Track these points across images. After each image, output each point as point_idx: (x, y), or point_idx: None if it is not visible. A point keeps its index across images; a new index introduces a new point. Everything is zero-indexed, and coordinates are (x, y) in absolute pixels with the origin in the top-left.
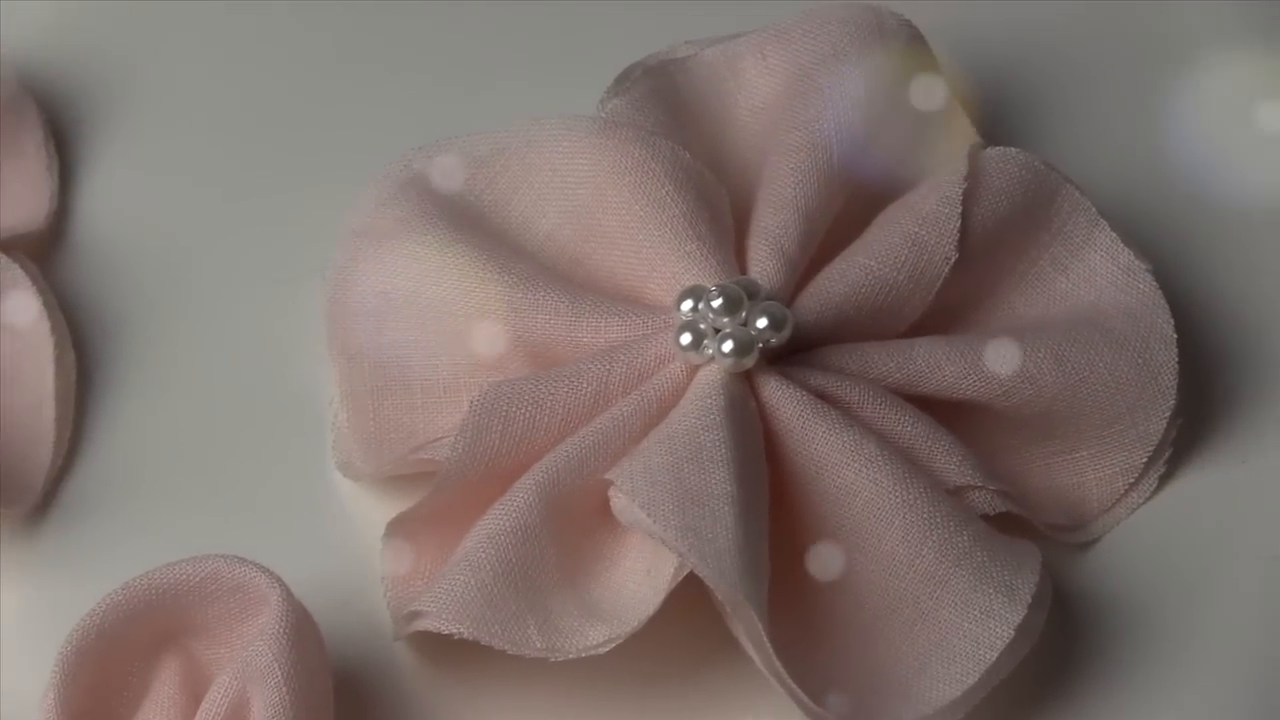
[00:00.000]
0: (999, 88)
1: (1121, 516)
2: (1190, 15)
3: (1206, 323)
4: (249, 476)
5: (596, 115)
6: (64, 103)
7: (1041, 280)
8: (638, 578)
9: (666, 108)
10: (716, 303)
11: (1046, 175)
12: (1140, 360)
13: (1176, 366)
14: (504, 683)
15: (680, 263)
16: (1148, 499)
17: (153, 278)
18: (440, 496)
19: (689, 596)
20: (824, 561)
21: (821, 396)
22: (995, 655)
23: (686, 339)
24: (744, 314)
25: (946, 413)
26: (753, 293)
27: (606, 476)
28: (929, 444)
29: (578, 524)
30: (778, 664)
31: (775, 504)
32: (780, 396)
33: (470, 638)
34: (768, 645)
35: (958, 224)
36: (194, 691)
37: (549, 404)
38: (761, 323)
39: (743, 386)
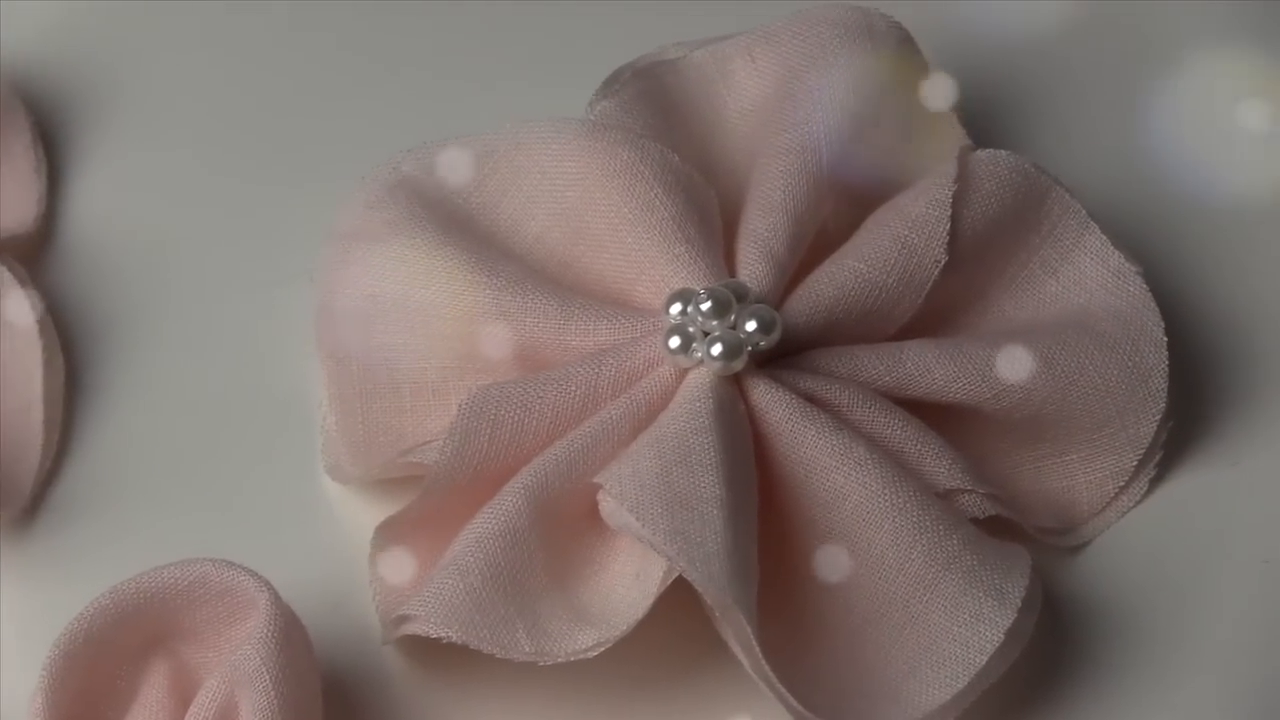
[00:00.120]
0: (988, 89)
1: (1112, 520)
2: (1178, 15)
3: (1197, 325)
4: (237, 479)
5: (585, 117)
6: (52, 105)
7: (1031, 283)
8: (626, 581)
9: (655, 110)
10: (705, 306)
11: (1036, 178)
12: (1130, 363)
13: (1167, 369)
14: (493, 687)
15: (669, 265)
16: (1138, 502)
17: (141, 280)
18: (429, 500)
19: (678, 600)
20: (813, 565)
21: (811, 400)
22: (985, 659)
23: (675, 342)
24: (733, 317)
25: (936, 416)
26: (742, 296)
27: (595, 480)
28: (918, 447)
29: (566, 528)
30: (767, 668)
31: (764, 508)
32: (769, 400)
33: (459, 642)
34: (757, 649)
35: (947, 227)
36: (182, 695)
37: (537, 407)
38: (750, 326)
39: (732, 390)
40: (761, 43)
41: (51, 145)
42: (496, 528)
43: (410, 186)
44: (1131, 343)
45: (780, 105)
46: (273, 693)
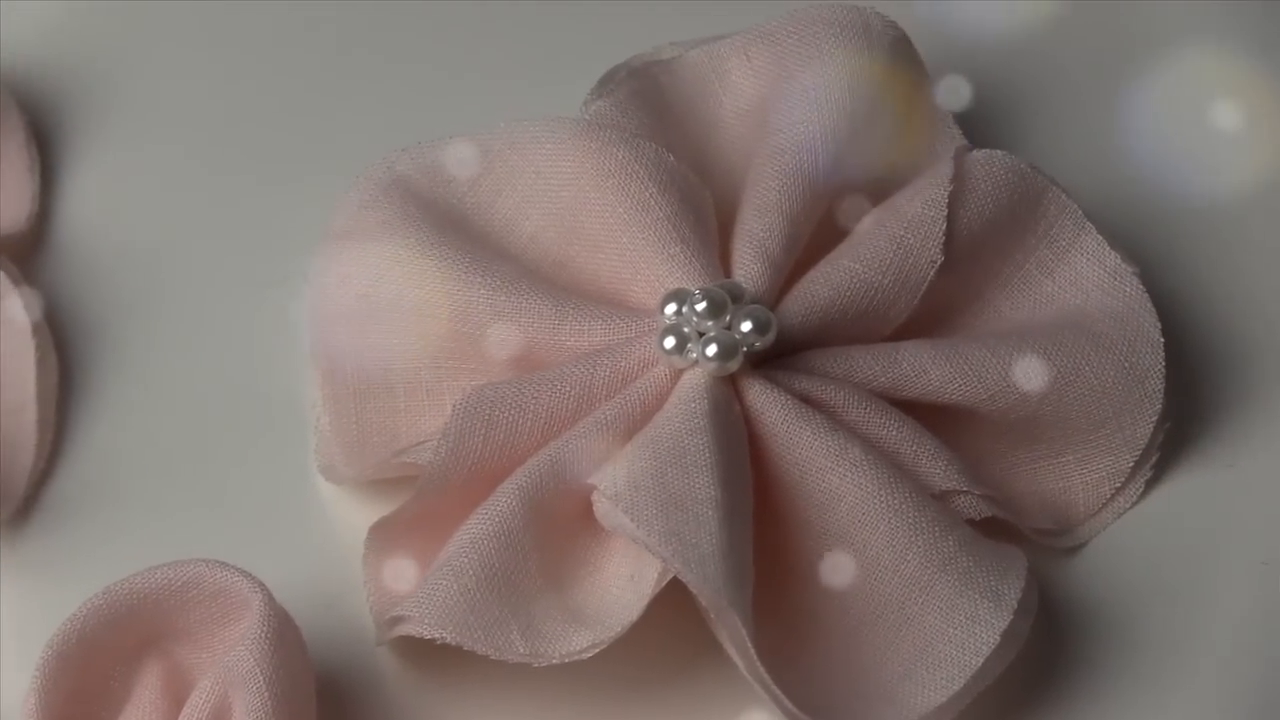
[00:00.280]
0: (984, 89)
1: (1108, 521)
2: (1172, 14)
3: (1194, 326)
4: (231, 480)
5: (580, 117)
6: (47, 105)
7: (1027, 283)
8: (621, 583)
9: (651, 110)
10: (700, 306)
11: (1032, 178)
12: (1127, 364)
13: (1163, 370)
14: (487, 688)
15: (664, 266)
16: (1134, 503)
17: (135, 280)
18: (423, 500)
19: (673, 601)
20: (809, 567)
21: (806, 400)
22: (981, 661)
23: (670, 343)
24: (728, 317)
25: (932, 417)
26: (737, 296)
27: (590, 481)
28: (914, 448)
29: (561, 529)
30: (762, 669)
31: (759, 509)
32: (765, 400)
33: (453, 643)
34: (751, 650)
35: (943, 227)
36: (176, 696)
37: (532, 408)
38: (746, 326)
39: (727, 390)
40: (757, 42)
41: (46, 145)
42: (491, 529)
43: (404, 186)
44: (1128, 343)
45: (776, 105)
46: (266, 694)
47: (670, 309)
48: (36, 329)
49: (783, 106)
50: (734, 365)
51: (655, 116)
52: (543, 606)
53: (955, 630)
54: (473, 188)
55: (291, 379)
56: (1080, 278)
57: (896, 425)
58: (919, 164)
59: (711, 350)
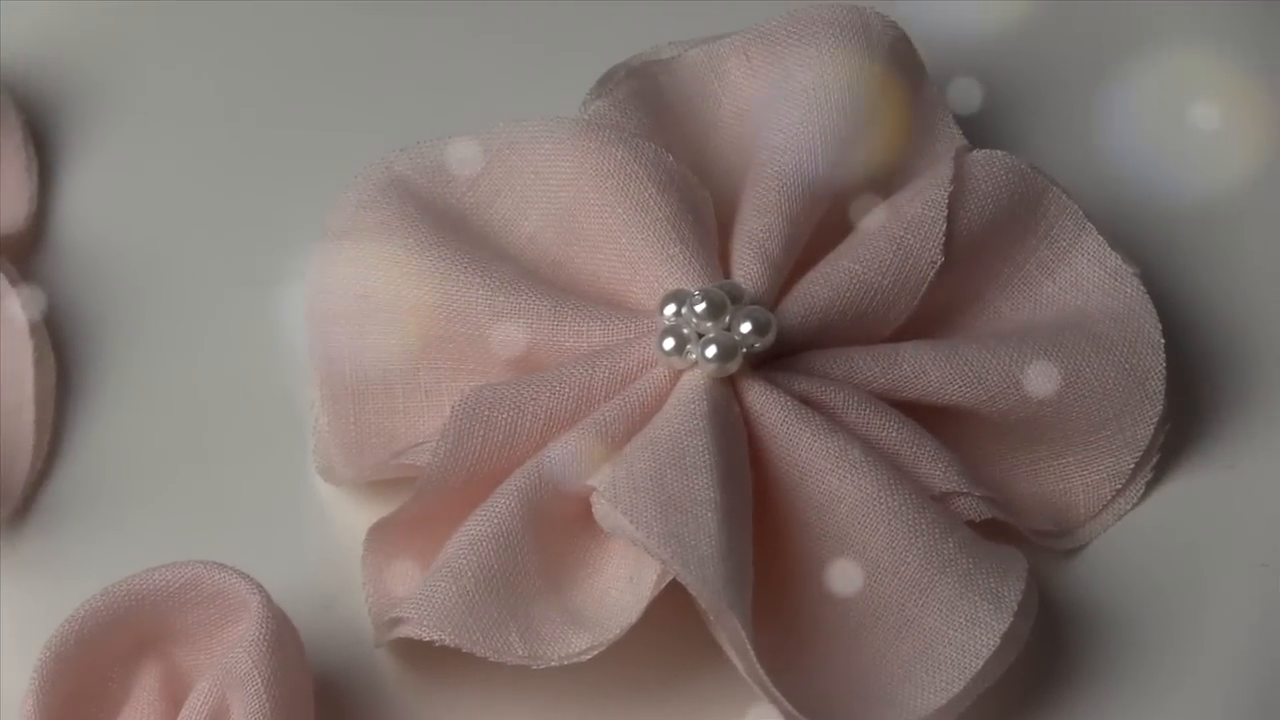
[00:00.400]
0: (984, 88)
1: (1109, 522)
2: (1172, 14)
3: (1195, 327)
4: (229, 481)
5: (579, 117)
6: (44, 105)
7: (1028, 284)
8: (620, 584)
9: (650, 110)
10: (700, 307)
11: (1033, 178)
12: (1127, 365)
13: (1164, 371)
14: (485, 690)
15: (663, 266)
16: (1135, 505)
17: (132, 280)
18: (422, 502)
19: (672, 603)
20: (809, 569)
21: (805, 402)
22: (981, 663)
23: (669, 344)
24: (727, 318)
25: (932, 418)
26: (736, 297)
27: (589, 482)
28: (914, 450)
29: (560, 530)
30: (761, 671)
31: (759, 510)
32: (764, 402)
33: (452, 645)
34: (751, 652)
35: (943, 228)
36: (174, 698)
37: (531, 409)
38: (745, 327)
39: (726, 392)
40: (756, 42)
41: (43, 145)
42: (489, 530)
43: (403, 186)
44: (1128, 344)
45: (775, 105)
46: (264, 695)
47: (669, 310)
48: (34, 329)
49: (782, 106)
50: (733, 366)
51: (654, 116)
52: (542, 608)
53: (955, 632)
54: (471, 188)
55: (290, 379)
56: (1081, 278)
57: (896, 426)
58: (919, 164)
59: (711, 351)
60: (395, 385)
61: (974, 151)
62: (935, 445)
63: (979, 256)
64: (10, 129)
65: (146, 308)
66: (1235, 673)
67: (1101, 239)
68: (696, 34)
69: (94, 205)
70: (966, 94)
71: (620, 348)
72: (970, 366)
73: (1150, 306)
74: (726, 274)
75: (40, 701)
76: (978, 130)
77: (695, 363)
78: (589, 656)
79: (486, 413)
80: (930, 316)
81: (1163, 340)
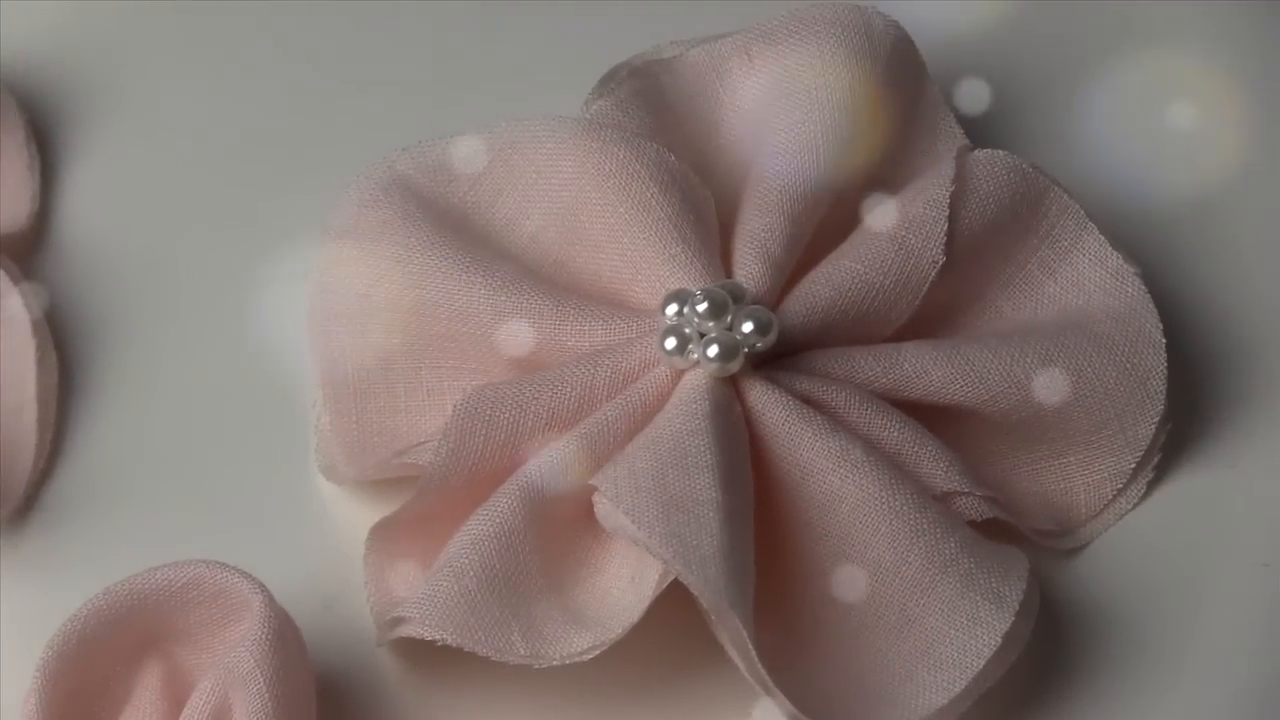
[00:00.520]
0: (984, 88)
1: (1110, 522)
2: (1183, 14)
3: (1196, 327)
4: (231, 480)
5: (581, 117)
6: (47, 103)
7: (1029, 284)
8: (622, 584)
9: (651, 109)
10: (701, 307)
11: (1034, 178)
12: (1129, 365)
13: (1165, 371)
14: (487, 689)
15: (665, 266)
16: (1136, 504)
17: (135, 279)
18: (423, 501)
19: (674, 603)
20: (811, 569)
21: (807, 401)
22: (982, 663)
23: (671, 343)
24: (729, 318)
25: (933, 418)
26: (738, 297)
27: (591, 482)
28: (915, 449)
29: (562, 530)
30: (763, 671)
31: (760, 510)
32: (766, 401)
33: (454, 644)
34: (752, 652)
35: (945, 227)
36: (176, 697)
37: (533, 408)
38: (747, 327)
39: (728, 391)
40: (758, 42)
41: (45, 143)
42: (491, 529)
43: (404, 185)
44: (1130, 344)
45: (777, 104)
46: (266, 695)
47: (671, 309)
48: (36, 328)
49: (784, 106)
50: (735, 366)
51: (656, 116)
52: (543, 608)
53: (957, 632)
54: (473, 187)
55: (292, 378)
56: (1082, 278)
57: (898, 426)
58: (920, 164)
59: (713, 351)
60: (397, 384)
61: (976, 151)
62: (937, 445)
63: (980, 256)
64: (12, 127)
65: (149, 306)
66: (1237, 672)
67: (1103, 239)
68: (698, 33)
69: (96, 204)
70: (973, 94)
71: (622, 347)
72: (972, 366)
73: (1152, 306)
74: (728, 273)
75: (42, 700)
76: (979, 129)
77: (697, 362)
78: (591, 656)
79: (489, 412)
80: (932, 316)
81: (1164, 340)
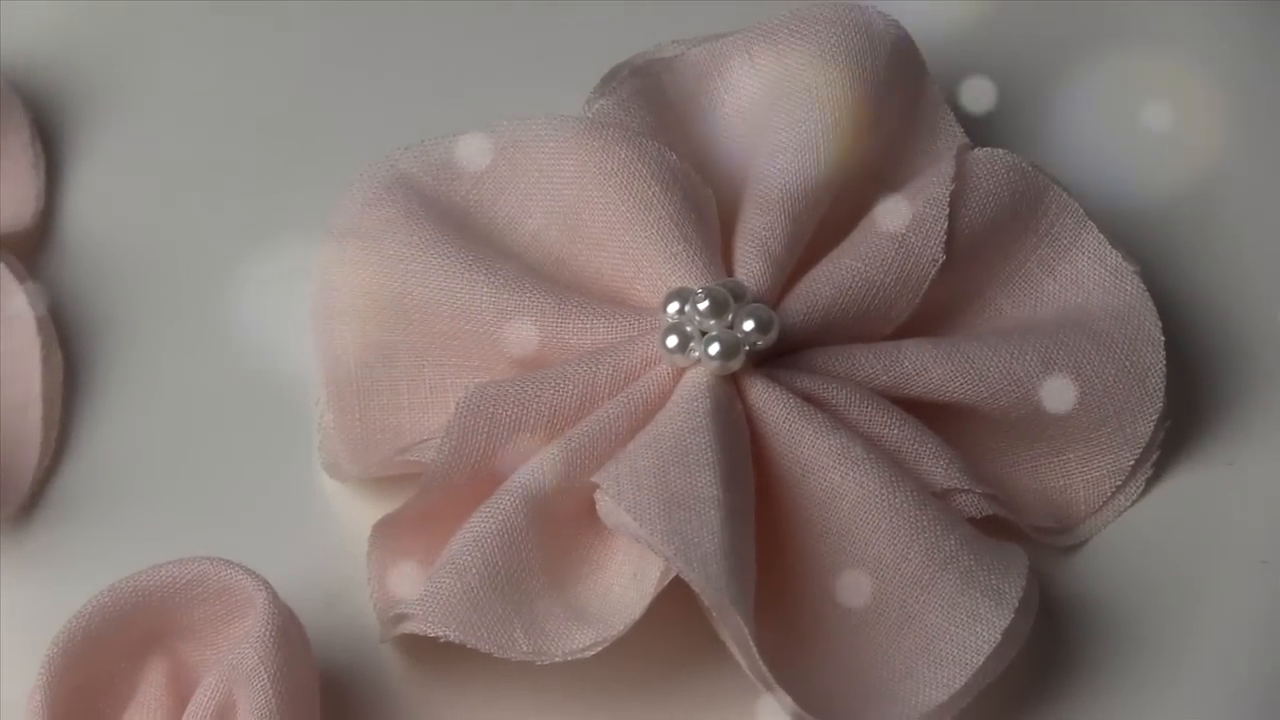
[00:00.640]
0: (985, 87)
1: (1109, 519)
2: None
3: (1194, 325)
4: (235, 477)
5: (583, 116)
6: (51, 102)
7: (1029, 282)
8: (624, 581)
9: (653, 108)
10: (703, 305)
11: (1034, 177)
12: (1128, 363)
13: (1164, 368)
14: (490, 685)
15: (667, 264)
16: (1135, 501)
17: (139, 277)
18: (426, 498)
19: (675, 599)
20: (811, 567)
21: (808, 399)
22: (982, 659)
23: (673, 341)
24: (730, 317)
25: (933, 415)
26: (739, 295)
27: (593, 479)
28: (916, 446)
29: (564, 527)
30: (764, 668)
31: (761, 507)
32: (767, 399)
33: (456, 641)
34: (753, 649)
35: (945, 226)
36: (180, 693)
37: (535, 406)
38: (748, 325)
39: (729, 389)
40: (759, 41)
41: (50, 142)
42: (494, 527)
43: (407, 184)
44: (1129, 342)
45: (777, 104)
46: (270, 691)
47: (673, 308)
48: (41, 326)
49: (785, 104)
50: (736, 364)
51: (657, 115)
52: (545, 605)
53: (957, 629)
54: (476, 185)
55: (295, 376)
56: (1081, 276)
57: (898, 424)
58: (920, 162)
59: (714, 349)
60: (400, 382)
61: (975, 150)
62: (936, 442)
63: (980, 254)
64: (17, 127)
65: (153, 305)
66: (1235, 668)
67: (1102, 237)
68: (699, 32)
69: (100, 203)
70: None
71: (624, 345)
72: (971, 364)
73: (1150, 304)
74: (729, 272)
75: (48, 696)
76: (979, 128)
77: (698, 360)
78: (593, 652)
79: (491, 409)
80: (932, 314)
81: (1163, 338)
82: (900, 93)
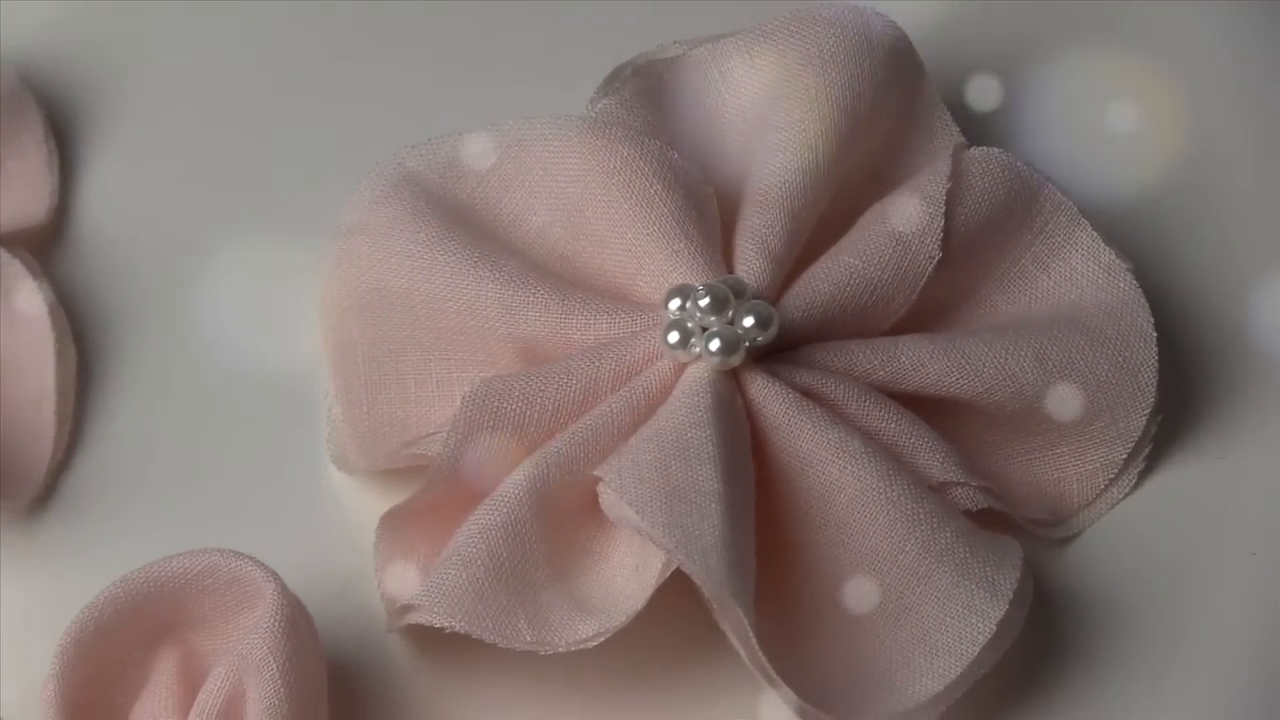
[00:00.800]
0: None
1: (1102, 511)
2: (1177, 14)
3: (1186, 321)
4: (245, 470)
5: (586, 115)
6: (64, 99)
7: (1024, 279)
8: (626, 573)
9: (655, 107)
10: (704, 301)
11: (1028, 175)
12: (1120, 358)
13: (1156, 364)
14: (495, 674)
15: (668, 261)
16: (1127, 494)
17: (151, 272)
18: (433, 491)
19: (677, 590)
20: (811, 557)
21: (807, 394)
22: (977, 649)
23: (674, 337)
24: (731, 313)
25: (930, 410)
26: (739, 292)
27: (596, 473)
28: (912, 441)
29: (567, 519)
30: (763, 658)
31: (761, 500)
32: (766, 394)
33: (462, 631)
34: (753, 640)
35: (941, 224)
36: (191, 682)
37: (539, 400)
38: (748, 321)
39: (729, 384)
40: (760, 41)
41: (64, 139)
42: (499, 519)
43: (414, 182)
44: (1121, 338)
45: (777, 103)
46: (279, 680)
47: (674, 304)
48: (55, 321)
49: (784, 104)
50: (736, 360)
51: (659, 114)
52: (549, 596)
53: (952, 620)
54: (481, 183)
55: (304, 370)
56: (1075, 273)
57: (895, 418)
58: (917, 161)
59: (714, 345)
60: (407, 376)
61: (971, 149)
62: (933, 436)
63: (976, 252)
64: (32, 124)
65: (165, 300)
66: (1226, 657)
67: (1095, 235)
68: (701, 33)
69: (113, 200)
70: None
71: (626, 341)
72: (967, 359)
73: (1143, 301)
74: (730, 269)
75: (61, 686)
76: (976, 127)
77: (699, 356)
78: (596, 643)
79: (496, 403)
80: (928, 310)
81: (1155, 334)
82: (898, 93)
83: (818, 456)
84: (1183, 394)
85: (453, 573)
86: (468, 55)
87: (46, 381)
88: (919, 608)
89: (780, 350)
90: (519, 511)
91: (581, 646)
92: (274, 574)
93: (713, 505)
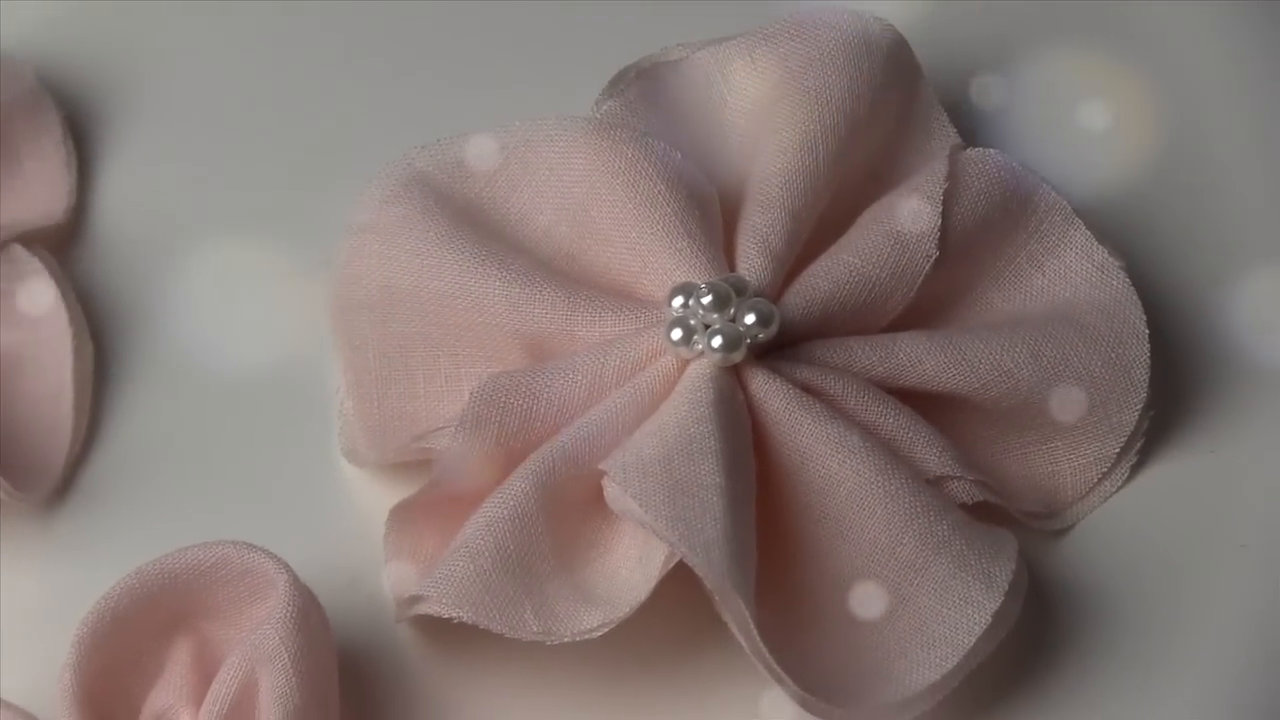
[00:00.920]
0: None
1: (1095, 504)
2: (1174, 13)
3: (1177, 318)
4: (258, 464)
5: (592, 116)
6: (82, 101)
7: (1019, 277)
8: (630, 565)
9: (659, 109)
10: (706, 299)
11: (1023, 176)
12: (1113, 355)
13: (1148, 360)
14: (502, 663)
15: (672, 260)
16: (1120, 487)
17: (167, 270)
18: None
19: (680, 582)
20: (811, 550)
21: (807, 390)
22: (973, 640)
23: (677, 334)
24: (733, 310)
25: (926, 405)
26: (741, 290)
27: (600, 467)
28: (910, 435)
29: (572, 512)
30: (764, 649)
31: (762, 494)
32: (767, 390)
33: (469, 622)
34: (754, 631)
35: (938, 223)
36: (205, 672)
37: (545, 395)
38: (749, 319)
39: (731, 380)
40: (761, 44)
41: (81, 139)
42: (506, 512)
43: (423, 181)
44: (1114, 335)
45: (779, 105)
46: (291, 670)
47: (677, 302)
48: (73, 317)
49: (785, 106)
50: (738, 356)
51: (663, 116)
52: (555, 587)
53: (949, 611)
54: (489, 183)
55: (316, 366)
56: (1069, 272)
57: (893, 413)
58: (915, 162)
59: (716, 342)
60: (417, 371)
61: (967, 150)
62: (930, 431)
63: (972, 251)
64: (49, 125)
65: (179, 296)
66: (1216, 648)
67: (1089, 234)
68: (704, 36)
69: (130, 199)
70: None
71: (630, 337)
72: (963, 356)
73: (1135, 298)
74: (732, 267)
75: (78, 675)
76: (973, 128)
77: (702, 352)
78: (600, 633)
79: (503, 398)
80: (925, 308)
81: (1147, 331)
82: (896, 94)
83: (817, 451)
84: (1174, 390)
85: (460, 564)
86: (476, 58)
87: (64, 377)
88: (916, 599)
89: (781, 347)
90: (525, 505)
91: (586, 637)
92: (286, 565)
93: (715, 499)
